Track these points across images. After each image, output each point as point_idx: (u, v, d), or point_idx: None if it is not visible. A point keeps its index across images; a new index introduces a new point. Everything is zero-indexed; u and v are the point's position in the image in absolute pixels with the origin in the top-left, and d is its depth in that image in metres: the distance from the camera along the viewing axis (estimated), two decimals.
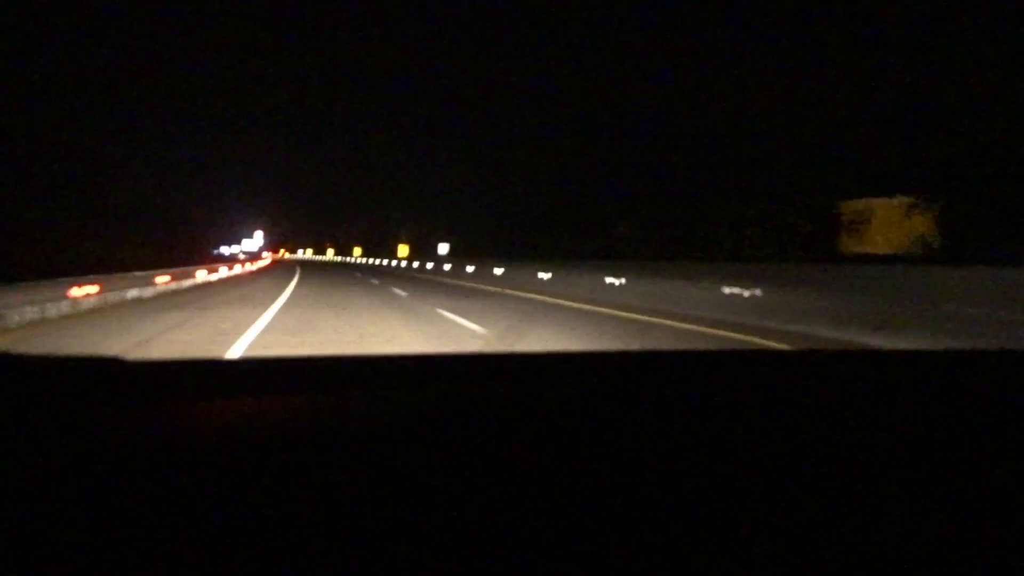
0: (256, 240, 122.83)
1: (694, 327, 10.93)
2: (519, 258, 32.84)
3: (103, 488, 0.71)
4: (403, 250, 65.41)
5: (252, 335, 9.21)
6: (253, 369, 1.37)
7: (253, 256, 65.05)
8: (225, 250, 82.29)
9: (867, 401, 1.20)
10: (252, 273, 38.15)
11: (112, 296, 14.46)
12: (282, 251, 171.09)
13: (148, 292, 17.43)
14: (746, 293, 12.48)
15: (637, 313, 13.26)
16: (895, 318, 8.96)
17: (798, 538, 0.70)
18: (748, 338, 9.64)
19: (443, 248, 51.51)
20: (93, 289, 13.33)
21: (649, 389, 1.25)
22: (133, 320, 11.49)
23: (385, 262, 63.39)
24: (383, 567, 0.62)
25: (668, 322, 11.71)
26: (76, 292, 12.63)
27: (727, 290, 12.93)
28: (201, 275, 25.84)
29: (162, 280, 19.08)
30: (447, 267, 30.87)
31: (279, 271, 42.46)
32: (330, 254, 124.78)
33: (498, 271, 27.14)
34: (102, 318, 11.74)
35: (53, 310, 11.63)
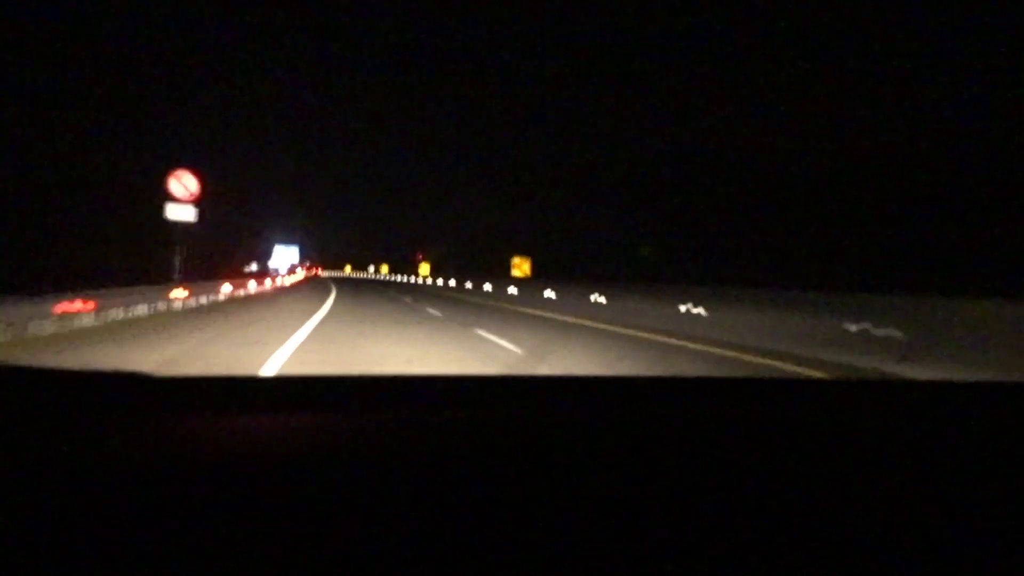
0: (285, 254, 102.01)
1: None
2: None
3: (126, 501, 0.74)
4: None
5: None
6: (272, 386, 1.39)
7: (276, 273, 57.63)
8: (276, 264, 79.01)
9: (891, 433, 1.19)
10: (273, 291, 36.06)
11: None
12: (347, 267, 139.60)
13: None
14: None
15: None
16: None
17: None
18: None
19: None
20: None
21: (667, 415, 1.25)
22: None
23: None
24: None
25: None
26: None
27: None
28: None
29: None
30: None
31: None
32: (424, 270, 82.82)
33: (599, 298, 20.80)
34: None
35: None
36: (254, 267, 59.17)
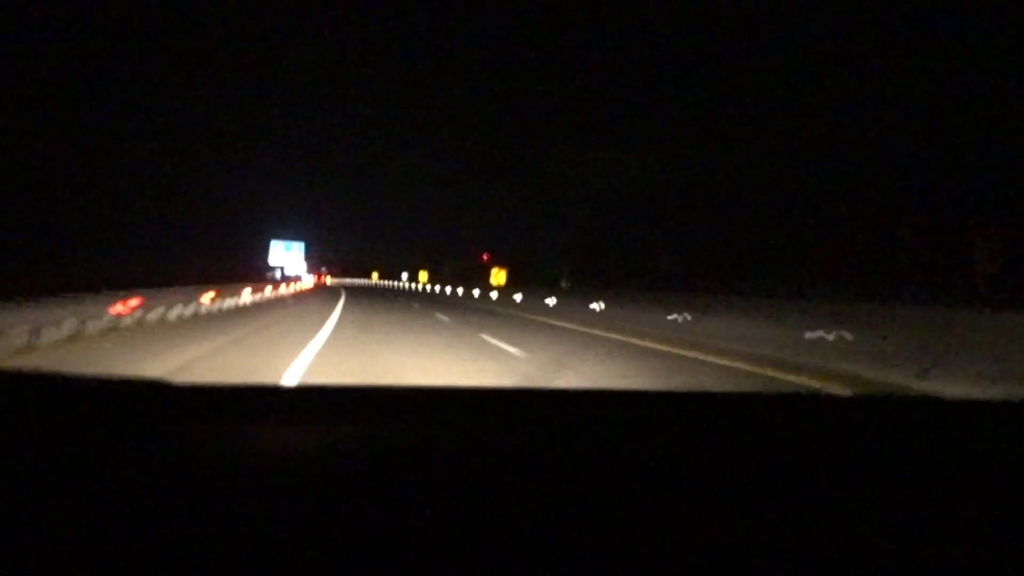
0: (285, 255, 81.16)
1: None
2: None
3: (140, 507, 0.74)
4: None
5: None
6: (289, 396, 1.43)
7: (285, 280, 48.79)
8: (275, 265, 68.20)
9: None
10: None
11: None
12: (374, 275, 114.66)
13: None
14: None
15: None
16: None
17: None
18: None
19: None
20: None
21: (686, 430, 1.25)
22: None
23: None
24: None
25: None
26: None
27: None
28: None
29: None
30: None
31: None
32: (499, 279, 53.93)
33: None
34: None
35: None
36: (279, 274, 54.58)
